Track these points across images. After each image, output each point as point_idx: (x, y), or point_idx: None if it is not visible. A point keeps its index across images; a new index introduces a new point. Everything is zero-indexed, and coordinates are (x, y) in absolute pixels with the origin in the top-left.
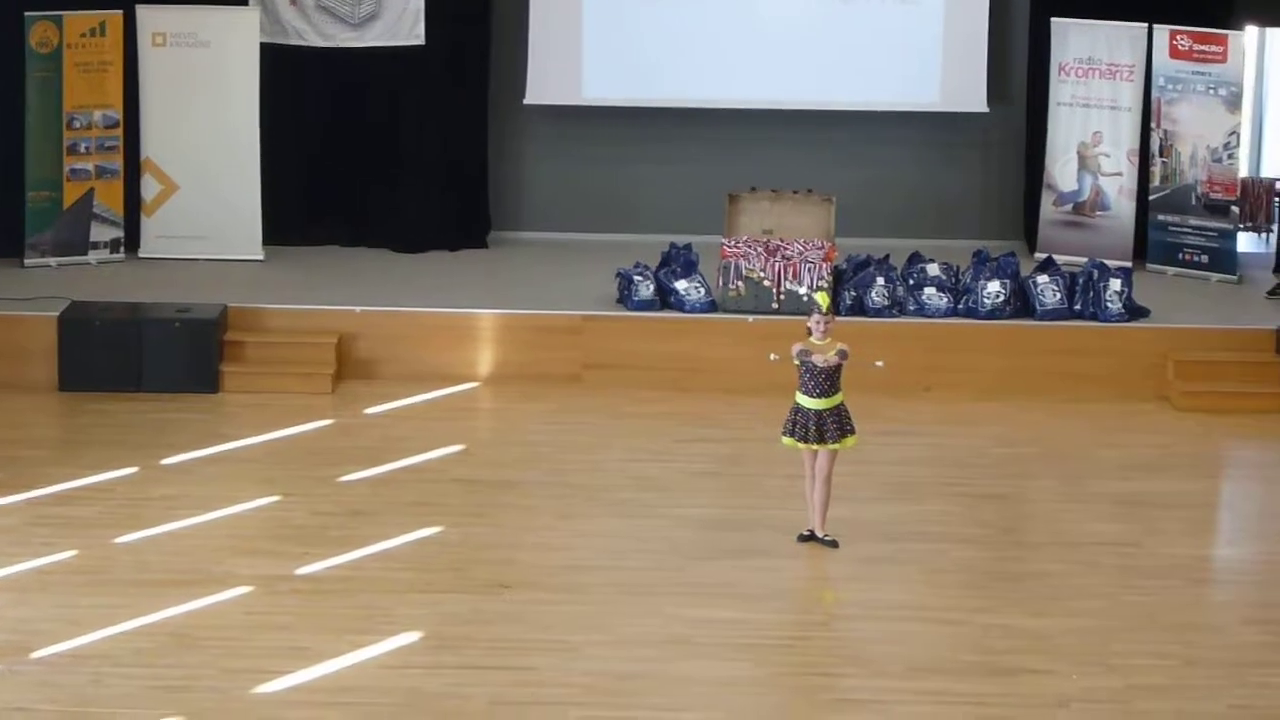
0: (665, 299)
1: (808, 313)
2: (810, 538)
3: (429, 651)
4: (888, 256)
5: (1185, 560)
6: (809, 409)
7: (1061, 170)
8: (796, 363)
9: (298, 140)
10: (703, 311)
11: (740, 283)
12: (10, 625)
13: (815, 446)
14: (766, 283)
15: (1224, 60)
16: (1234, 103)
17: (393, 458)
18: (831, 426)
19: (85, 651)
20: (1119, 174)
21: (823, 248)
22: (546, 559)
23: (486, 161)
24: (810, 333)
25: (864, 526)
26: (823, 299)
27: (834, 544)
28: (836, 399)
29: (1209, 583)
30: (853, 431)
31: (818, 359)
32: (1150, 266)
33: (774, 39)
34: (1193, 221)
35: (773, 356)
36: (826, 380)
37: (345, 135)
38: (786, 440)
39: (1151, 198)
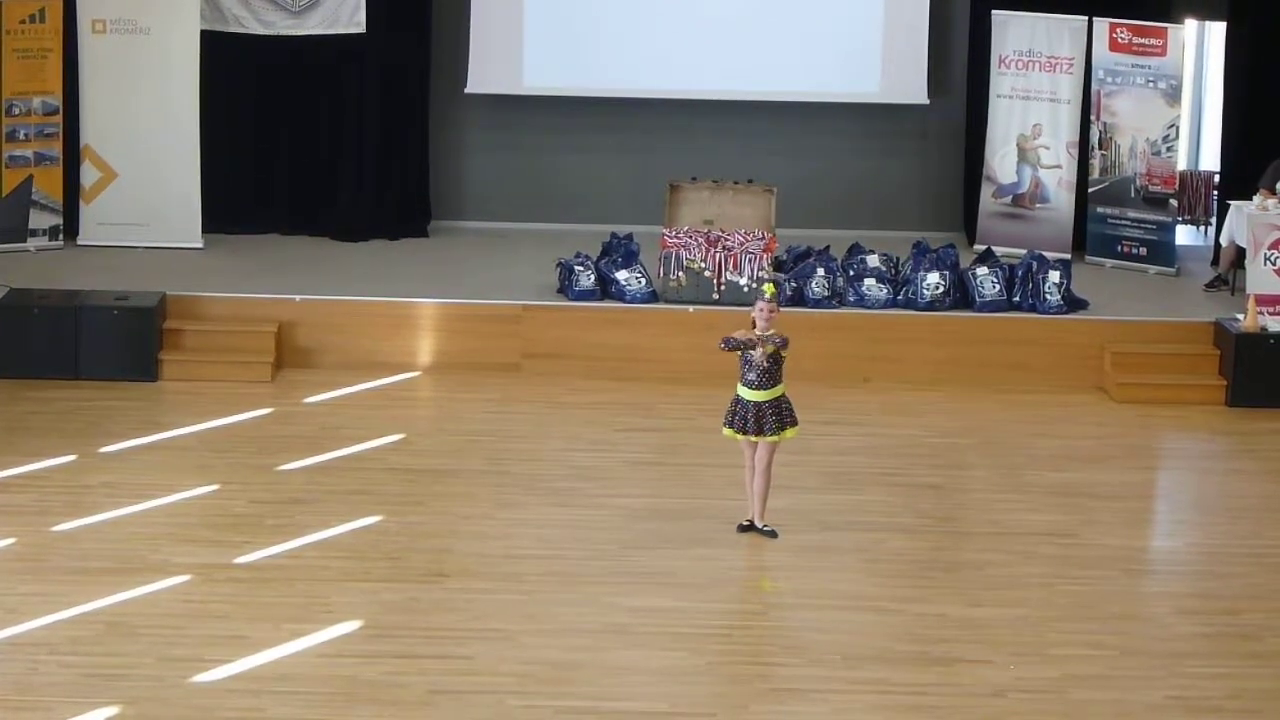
0: (606, 289)
1: (752, 302)
2: (750, 528)
3: (367, 640)
4: (828, 247)
5: (1121, 551)
6: (749, 400)
7: (1001, 162)
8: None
9: (238, 128)
10: (643, 302)
11: (681, 273)
12: None
13: (754, 438)
14: (707, 273)
15: (1163, 53)
16: (1173, 96)
17: (332, 446)
18: (770, 418)
19: (22, 639)
20: (1058, 166)
21: (763, 238)
22: (485, 548)
23: (427, 150)
24: (754, 323)
25: (802, 516)
26: (769, 289)
27: (773, 534)
28: (777, 391)
29: (1145, 573)
30: (794, 423)
31: (756, 354)
32: (1089, 258)
33: (715, 29)
34: (1131, 214)
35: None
36: (766, 373)
37: (285, 123)
38: (727, 431)
39: (1091, 190)
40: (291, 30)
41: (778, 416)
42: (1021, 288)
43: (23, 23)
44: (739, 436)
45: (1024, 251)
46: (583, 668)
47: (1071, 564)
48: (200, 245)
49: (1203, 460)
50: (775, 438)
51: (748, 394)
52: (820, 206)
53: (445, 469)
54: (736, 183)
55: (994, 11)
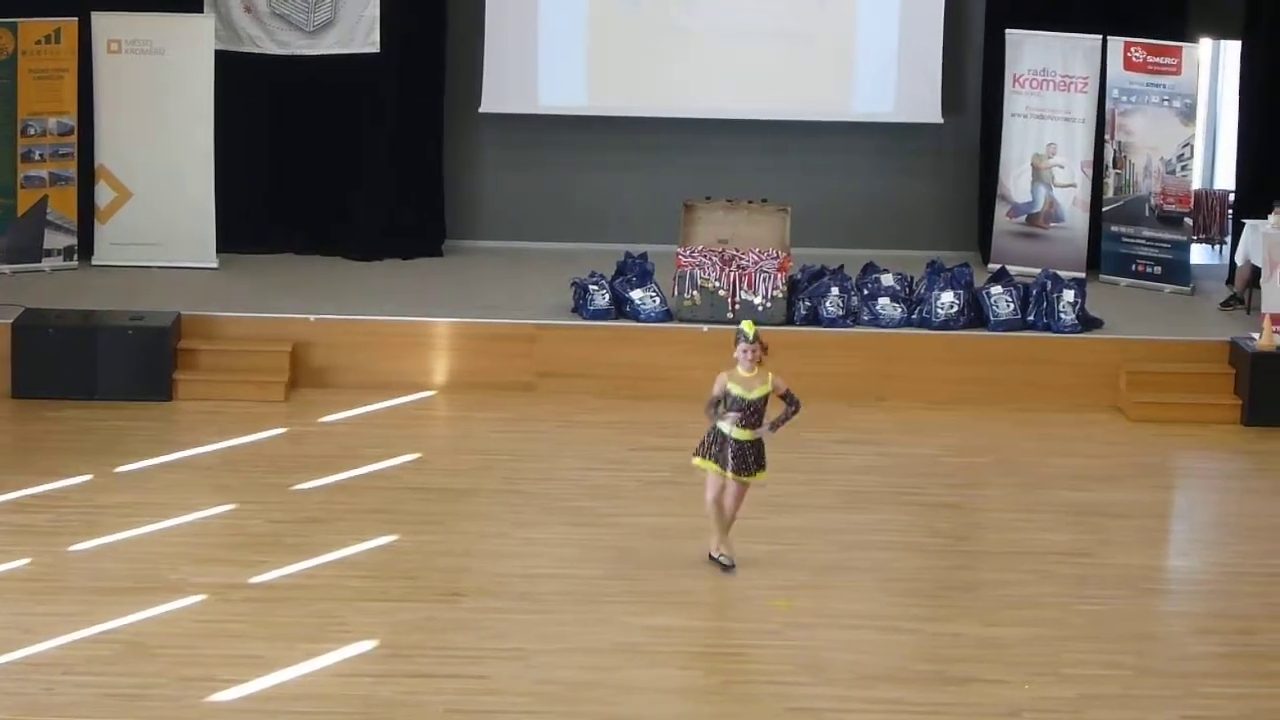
0: (620, 308)
1: (735, 342)
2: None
3: (383, 660)
4: (842, 267)
5: (1137, 570)
6: (734, 439)
7: (1015, 181)
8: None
9: (252, 148)
10: (658, 321)
11: (695, 292)
12: None
13: (730, 475)
14: (721, 292)
15: (1178, 72)
16: (1188, 115)
17: (347, 466)
18: (750, 458)
19: (38, 660)
20: (1073, 185)
21: (778, 258)
22: (500, 567)
23: (442, 170)
24: (737, 362)
25: (817, 535)
26: (748, 327)
27: (730, 566)
28: (756, 431)
29: (1161, 593)
30: (763, 467)
31: (736, 387)
32: (1104, 277)
33: (729, 49)
34: (1146, 233)
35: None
36: (754, 412)
37: (300, 143)
38: (698, 461)
39: (1105, 209)
40: (306, 50)
41: (756, 457)
42: (1036, 307)
43: (39, 43)
44: (714, 468)
45: (1038, 270)
46: (598, 687)
47: (1087, 584)
48: (215, 265)
49: (1218, 479)
50: (749, 479)
51: (736, 432)
52: (835, 226)
53: (461, 488)
54: (751, 202)
55: (1008, 31)
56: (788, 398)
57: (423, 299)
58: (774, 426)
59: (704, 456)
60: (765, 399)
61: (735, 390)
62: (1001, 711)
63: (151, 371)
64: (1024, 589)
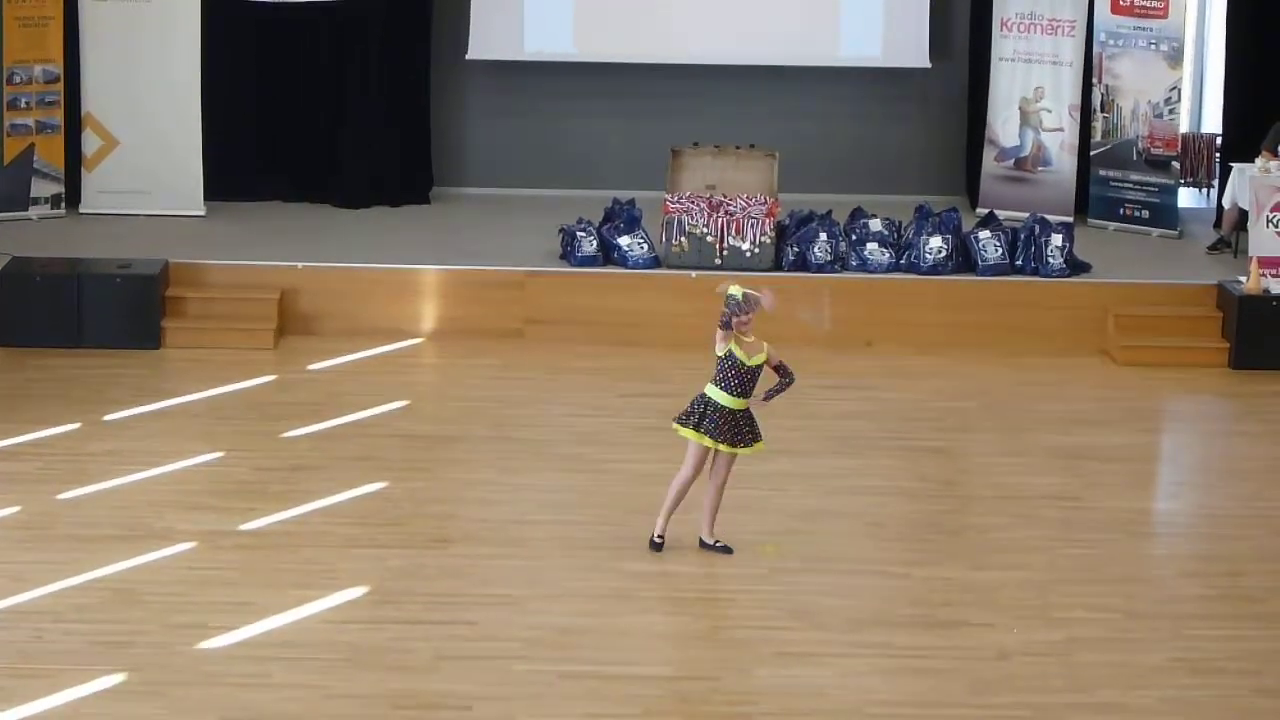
0: (608, 255)
1: (741, 306)
2: (707, 546)
3: (372, 606)
4: (830, 212)
5: (1125, 514)
6: (725, 406)
7: (1003, 125)
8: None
9: (240, 95)
10: (646, 267)
11: (683, 238)
12: None
13: (725, 447)
14: (709, 238)
15: (1165, 15)
16: (1175, 58)
17: (335, 413)
18: (744, 429)
19: (27, 607)
20: (1060, 129)
21: (765, 203)
22: (489, 514)
23: (429, 116)
24: (737, 332)
25: (805, 480)
26: (736, 290)
27: (728, 550)
28: (748, 400)
29: (1149, 536)
30: (759, 437)
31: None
32: (1091, 221)
33: None
34: (1134, 177)
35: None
36: (750, 380)
37: (287, 90)
38: (685, 431)
39: (1093, 153)
40: None
41: (750, 426)
42: (1024, 251)
43: None
44: (707, 441)
45: (1026, 215)
46: (587, 632)
47: (1075, 527)
48: (202, 213)
49: (1206, 423)
50: (749, 450)
51: (726, 400)
52: (822, 171)
53: (449, 435)
54: (738, 147)
55: None
56: (781, 369)
57: (411, 246)
58: (768, 397)
59: (688, 425)
60: (761, 369)
61: (737, 352)
62: (990, 655)
63: (139, 319)
64: (1012, 533)
